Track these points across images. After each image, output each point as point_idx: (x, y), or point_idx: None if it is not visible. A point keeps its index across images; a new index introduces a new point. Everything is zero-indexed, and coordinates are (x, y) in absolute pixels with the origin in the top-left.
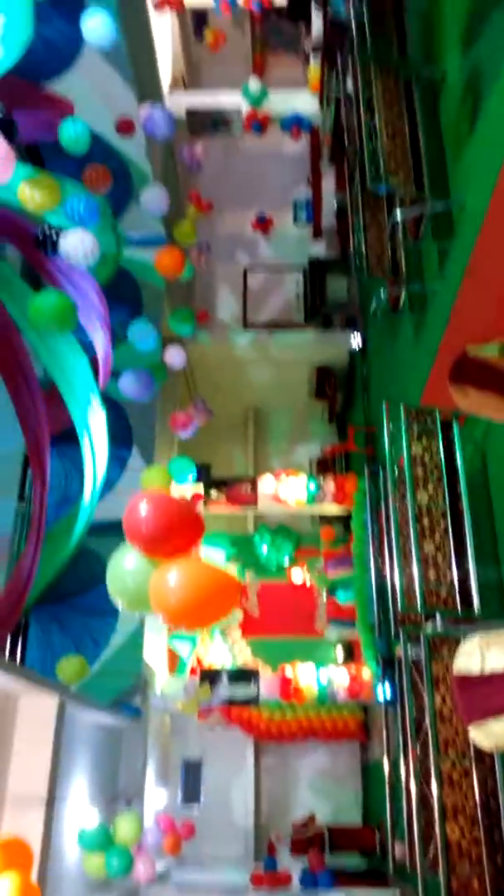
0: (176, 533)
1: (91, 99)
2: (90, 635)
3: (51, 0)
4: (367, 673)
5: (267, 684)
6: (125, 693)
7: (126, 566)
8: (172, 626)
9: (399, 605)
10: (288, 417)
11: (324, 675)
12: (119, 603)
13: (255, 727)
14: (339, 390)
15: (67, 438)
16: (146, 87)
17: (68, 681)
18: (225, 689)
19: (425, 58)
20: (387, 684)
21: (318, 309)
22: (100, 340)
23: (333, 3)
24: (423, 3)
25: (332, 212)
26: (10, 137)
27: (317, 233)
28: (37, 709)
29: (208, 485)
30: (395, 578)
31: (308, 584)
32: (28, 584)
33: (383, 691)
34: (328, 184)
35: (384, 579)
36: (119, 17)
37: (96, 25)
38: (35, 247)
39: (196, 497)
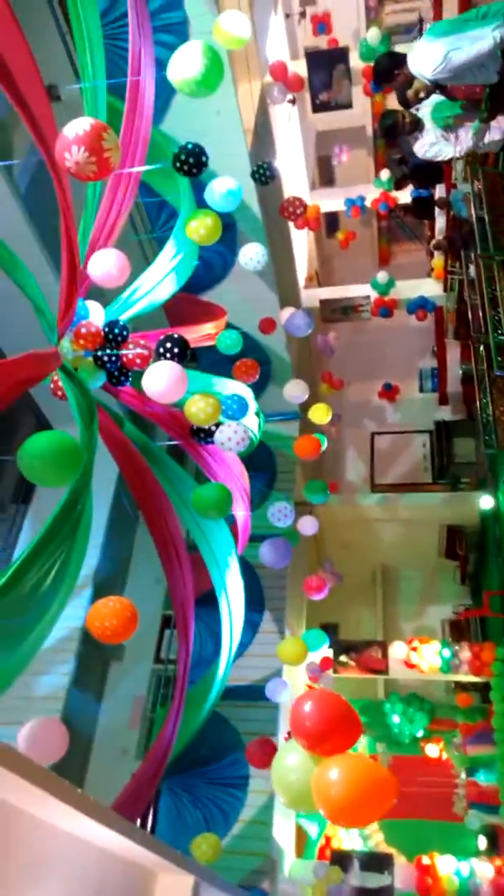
0: (338, 730)
1: (239, 302)
2: (220, 808)
3: None
4: None
5: (401, 874)
6: (253, 874)
7: (289, 763)
8: (334, 822)
9: None
10: (418, 577)
11: (465, 867)
12: (281, 799)
13: None
14: (470, 551)
15: (202, 602)
16: (286, 290)
17: (202, 860)
18: (356, 878)
19: None
20: None
21: (446, 469)
22: (240, 509)
23: (455, 205)
24: None
25: (457, 379)
26: (184, 357)
27: (443, 400)
28: (173, 888)
29: (338, 649)
30: None
31: (445, 761)
32: (168, 753)
33: None
34: (453, 353)
35: None
36: (266, 240)
37: (251, 254)
38: (190, 435)
39: (326, 662)
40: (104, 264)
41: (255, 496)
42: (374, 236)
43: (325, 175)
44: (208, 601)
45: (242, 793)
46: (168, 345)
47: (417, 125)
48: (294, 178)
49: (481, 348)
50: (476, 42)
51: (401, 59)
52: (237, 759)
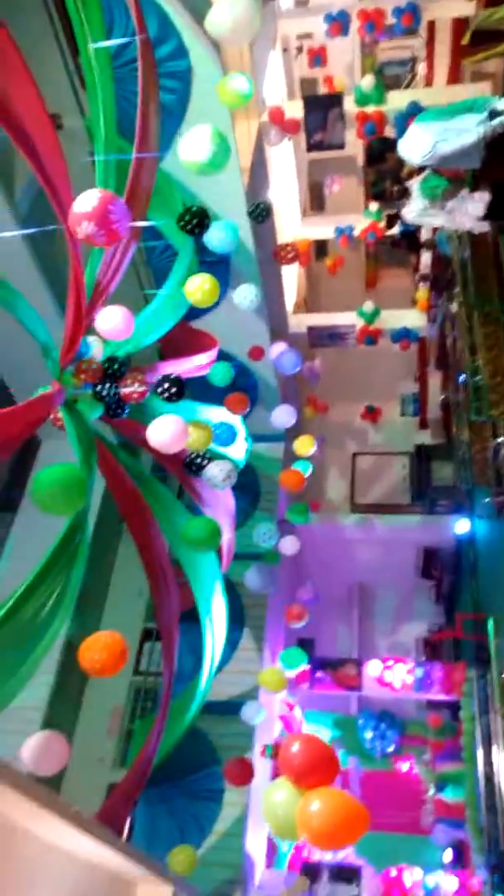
0: (319, 768)
1: (230, 329)
2: (196, 820)
3: (208, 266)
4: (477, 881)
5: (369, 886)
6: (225, 884)
7: (276, 799)
8: (315, 846)
9: None
10: (394, 595)
11: (431, 880)
12: (270, 830)
13: None
14: (445, 572)
15: (183, 618)
16: (276, 317)
17: (179, 870)
18: (325, 888)
19: None
20: None
21: (424, 492)
22: (225, 531)
23: (440, 245)
24: None
25: (437, 405)
26: (181, 396)
27: (423, 425)
28: None
29: (313, 665)
30: (502, 786)
31: (414, 776)
32: (150, 765)
33: None
34: (434, 379)
35: (494, 783)
36: (258, 270)
37: (245, 293)
38: (182, 466)
39: (302, 676)
40: (111, 320)
41: (239, 515)
42: (361, 260)
43: (316, 200)
44: (188, 617)
45: (217, 805)
46: (166, 385)
47: (405, 194)
48: (286, 206)
49: (461, 394)
50: (462, 135)
51: (391, 144)
52: (213, 772)
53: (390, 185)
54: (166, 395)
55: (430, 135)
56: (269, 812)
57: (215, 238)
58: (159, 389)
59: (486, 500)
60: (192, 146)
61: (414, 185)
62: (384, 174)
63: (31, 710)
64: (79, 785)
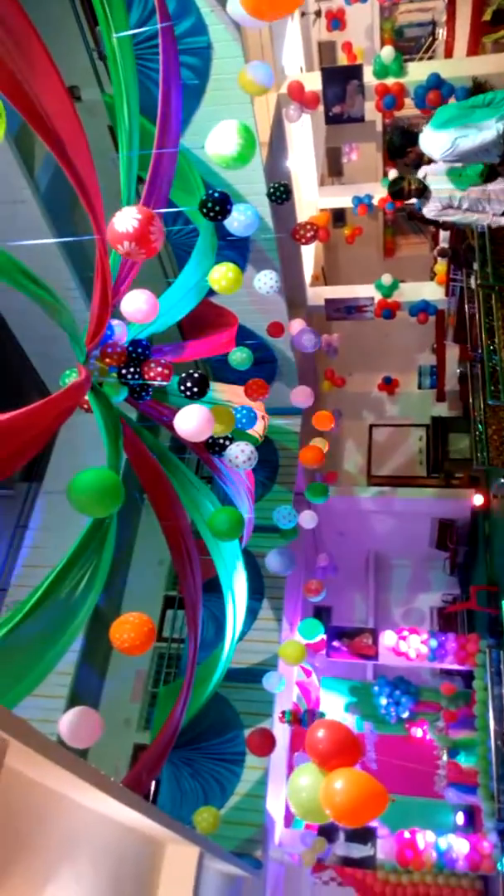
0: (343, 751)
1: (248, 304)
2: (218, 782)
3: (228, 242)
4: (488, 843)
5: (384, 846)
6: (246, 842)
7: (301, 783)
8: (338, 821)
9: None
10: (409, 566)
11: (443, 842)
12: (294, 812)
13: (370, 890)
14: (460, 543)
15: (204, 588)
16: (293, 289)
17: (204, 829)
18: (341, 847)
19: None
20: None
21: (440, 464)
22: (245, 506)
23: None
24: None
25: (454, 377)
26: (203, 394)
27: (440, 398)
28: (181, 858)
29: (330, 634)
30: None
31: (428, 741)
32: (177, 731)
33: None
34: (451, 351)
35: None
36: (276, 242)
37: (265, 279)
38: (205, 447)
39: (319, 645)
40: (135, 304)
41: (258, 487)
42: (379, 228)
43: (334, 166)
44: (210, 587)
45: (239, 768)
46: (189, 384)
47: (422, 192)
48: (304, 174)
49: (478, 372)
50: (482, 131)
51: (413, 138)
52: (235, 736)
53: (408, 186)
54: (188, 393)
55: (449, 133)
56: (294, 796)
57: (236, 222)
58: (181, 388)
59: (502, 480)
60: (218, 140)
61: (430, 182)
62: (405, 171)
63: (60, 674)
64: (106, 745)
